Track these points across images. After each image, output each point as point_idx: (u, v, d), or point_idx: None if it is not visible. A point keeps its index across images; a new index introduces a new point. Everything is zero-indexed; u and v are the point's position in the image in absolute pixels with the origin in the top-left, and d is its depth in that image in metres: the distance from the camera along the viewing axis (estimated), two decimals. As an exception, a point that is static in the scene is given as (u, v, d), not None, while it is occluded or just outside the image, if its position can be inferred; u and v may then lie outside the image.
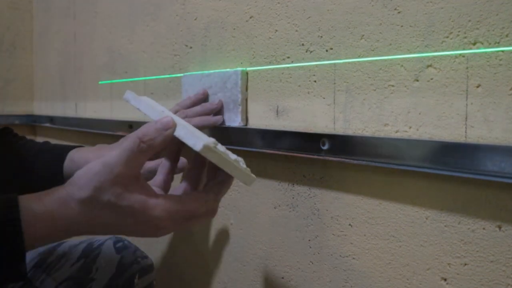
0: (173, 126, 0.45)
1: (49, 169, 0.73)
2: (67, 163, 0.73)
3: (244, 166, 0.50)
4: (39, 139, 1.65)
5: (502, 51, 0.44)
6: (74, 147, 0.77)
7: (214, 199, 0.49)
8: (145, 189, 0.46)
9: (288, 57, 0.66)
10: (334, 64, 0.59)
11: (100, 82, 1.25)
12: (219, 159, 0.46)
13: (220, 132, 0.74)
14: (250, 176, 0.51)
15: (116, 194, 0.45)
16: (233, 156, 0.49)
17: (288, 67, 0.66)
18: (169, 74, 0.93)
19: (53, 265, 0.73)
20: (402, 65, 0.52)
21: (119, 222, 0.46)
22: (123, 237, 0.77)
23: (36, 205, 0.45)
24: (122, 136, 1.06)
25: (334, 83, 0.59)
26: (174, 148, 0.54)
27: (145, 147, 0.45)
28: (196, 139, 0.44)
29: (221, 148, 0.47)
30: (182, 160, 0.64)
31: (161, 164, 0.54)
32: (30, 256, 0.77)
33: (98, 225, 0.46)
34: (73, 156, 0.74)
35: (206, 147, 0.43)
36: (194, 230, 0.86)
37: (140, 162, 0.46)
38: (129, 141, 0.45)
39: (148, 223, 0.46)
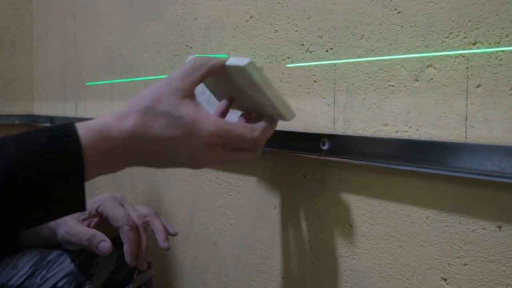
0: (225, 60, 0.53)
1: None
2: None
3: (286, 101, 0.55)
4: (39, 139, 1.64)
5: (502, 51, 0.44)
6: None
7: (260, 134, 0.53)
8: (198, 106, 0.52)
9: (288, 57, 0.66)
10: (334, 64, 0.59)
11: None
12: (263, 80, 0.51)
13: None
14: (290, 109, 0.55)
15: (172, 104, 0.50)
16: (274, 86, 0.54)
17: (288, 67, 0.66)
18: (169, 74, 0.93)
19: (53, 262, 0.73)
20: (402, 65, 0.52)
21: (170, 135, 0.49)
22: None
23: (93, 122, 0.49)
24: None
25: (334, 83, 0.59)
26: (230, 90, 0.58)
27: (199, 64, 0.52)
28: (243, 59, 0.50)
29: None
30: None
31: (219, 104, 0.60)
32: (31, 254, 0.77)
33: (150, 142, 0.49)
34: None
35: (251, 64, 0.50)
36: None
37: (196, 78, 0.52)
38: (187, 61, 0.53)
39: (196, 138, 0.50)
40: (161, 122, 0.49)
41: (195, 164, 0.53)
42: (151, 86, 0.51)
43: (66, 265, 0.72)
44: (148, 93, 0.51)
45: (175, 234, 0.71)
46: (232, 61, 0.52)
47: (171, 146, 0.50)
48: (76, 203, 0.48)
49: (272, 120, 0.55)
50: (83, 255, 0.73)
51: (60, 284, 0.70)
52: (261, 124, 0.54)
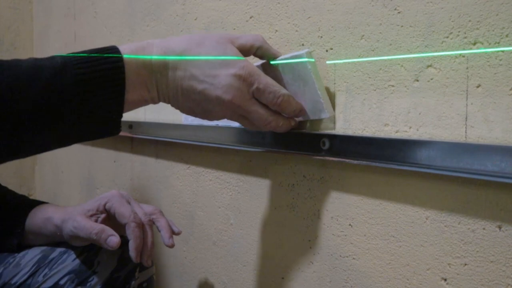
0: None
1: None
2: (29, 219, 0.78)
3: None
4: (39, 139, 1.65)
5: (502, 51, 0.44)
6: (37, 203, 0.81)
7: (286, 94, 0.55)
8: None
9: (288, 57, 0.66)
10: (334, 64, 0.59)
11: None
12: (316, 72, 0.55)
13: (221, 132, 0.74)
14: (330, 105, 0.56)
15: (219, 39, 0.53)
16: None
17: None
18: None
19: (55, 260, 0.74)
20: (402, 65, 0.52)
21: (217, 53, 0.51)
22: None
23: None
24: (122, 136, 1.07)
25: (334, 83, 0.59)
26: None
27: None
28: (300, 51, 0.56)
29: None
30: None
31: None
32: (33, 252, 0.77)
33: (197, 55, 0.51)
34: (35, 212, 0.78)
35: (309, 53, 0.55)
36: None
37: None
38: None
39: (232, 63, 0.51)
40: (196, 42, 0.52)
41: (216, 102, 0.52)
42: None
43: (68, 263, 0.73)
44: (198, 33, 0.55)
45: (178, 233, 0.72)
46: (284, 56, 0.55)
47: (201, 66, 0.51)
48: (113, 121, 0.50)
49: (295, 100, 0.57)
50: (85, 253, 0.73)
51: (62, 282, 0.71)
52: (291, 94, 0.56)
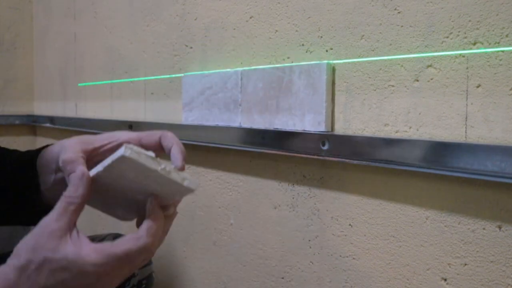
0: (84, 173, 0.47)
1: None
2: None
3: (179, 174, 0.47)
4: (39, 139, 1.65)
5: (502, 51, 0.44)
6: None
7: (146, 235, 0.48)
8: (79, 240, 0.46)
9: (288, 57, 0.66)
10: (334, 64, 0.59)
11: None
12: (138, 168, 0.45)
13: (221, 132, 0.74)
14: (181, 186, 0.47)
15: (51, 247, 0.45)
16: (162, 165, 0.46)
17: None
18: (169, 74, 0.93)
19: None
20: (402, 65, 0.52)
21: (57, 280, 0.45)
22: (123, 234, 0.78)
23: None
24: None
25: (334, 83, 0.59)
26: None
27: (72, 207, 0.47)
28: (114, 155, 0.44)
29: (146, 158, 0.46)
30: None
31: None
32: None
33: None
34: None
35: (121, 158, 0.43)
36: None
37: (72, 218, 0.47)
38: (60, 201, 0.47)
39: (85, 274, 0.45)
40: (45, 270, 0.45)
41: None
42: (25, 237, 0.47)
43: None
44: (24, 245, 0.46)
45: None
46: (100, 167, 0.46)
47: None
48: None
49: (157, 212, 0.50)
50: None
51: None
52: (143, 226, 0.49)
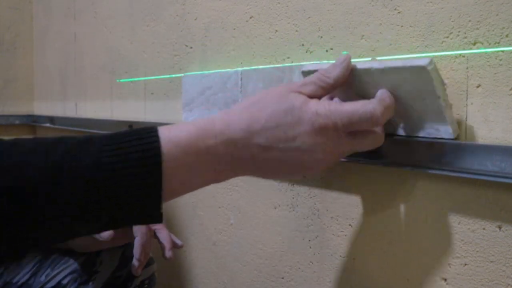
0: (347, 57, 0.47)
1: None
2: None
3: (451, 116, 0.45)
4: (39, 139, 1.64)
5: (502, 51, 0.44)
6: None
7: (377, 105, 0.43)
8: (310, 98, 0.45)
9: (288, 57, 0.66)
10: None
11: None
12: (440, 83, 0.43)
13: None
14: (455, 123, 0.45)
15: (279, 95, 0.44)
16: (446, 98, 0.45)
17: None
18: (169, 74, 0.93)
19: (57, 260, 0.74)
20: (402, 65, 0.52)
21: (277, 122, 0.43)
22: None
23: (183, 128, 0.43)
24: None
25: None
26: None
27: (321, 84, 0.46)
28: (417, 60, 0.43)
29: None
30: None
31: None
32: (35, 252, 0.77)
33: (257, 135, 0.43)
34: None
35: (432, 63, 0.42)
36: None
37: (316, 90, 0.46)
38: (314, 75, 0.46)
39: (305, 122, 0.43)
40: (267, 112, 0.44)
41: (310, 160, 0.44)
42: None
43: (70, 263, 0.73)
44: (257, 93, 0.47)
45: (181, 247, 0.71)
46: (389, 63, 0.44)
47: (279, 136, 0.43)
48: (150, 214, 0.42)
49: (389, 96, 0.45)
50: (87, 253, 0.74)
51: (64, 282, 0.71)
52: (379, 95, 0.44)
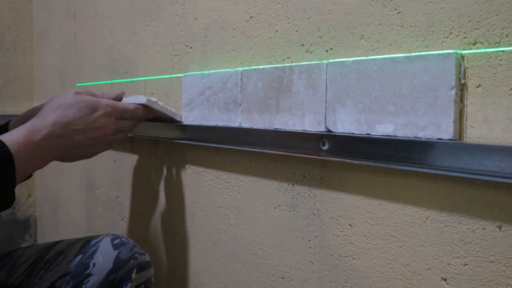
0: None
1: None
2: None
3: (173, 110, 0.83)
4: (39, 139, 1.65)
5: (502, 51, 0.44)
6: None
7: (135, 107, 0.77)
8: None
9: (288, 57, 0.66)
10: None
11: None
12: (158, 106, 0.79)
13: (221, 132, 0.74)
14: (178, 115, 0.84)
15: (77, 97, 0.71)
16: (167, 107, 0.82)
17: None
18: (169, 74, 0.93)
19: (51, 262, 0.74)
20: (402, 65, 0.52)
21: (82, 114, 0.69)
22: (120, 234, 0.78)
23: (17, 130, 0.65)
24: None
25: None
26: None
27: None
28: (141, 98, 0.78)
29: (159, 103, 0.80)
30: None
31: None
32: (29, 253, 0.77)
33: (69, 124, 0.68)
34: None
35: (148, 100, 0.77)
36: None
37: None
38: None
39: (99, 109, 0.71)
40: (74, 108, 0.69)
41: (103, 135, 0.71)
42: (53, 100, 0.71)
43: (63, 265, 0.72)
44: (54, 99, 0.71)
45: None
46: (132, 99, 0.79)
47: (85, 122, 0.69)
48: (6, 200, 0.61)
49: (139, 108, 0.77)
50: (80, 255, 0.73)
51: (57, 284, 0.70)
52: (136, 106, 0.77)
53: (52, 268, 0.72)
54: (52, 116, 0.67)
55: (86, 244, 0.75)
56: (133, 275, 0.73)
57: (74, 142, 0.68)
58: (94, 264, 0.71)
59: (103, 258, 0.72)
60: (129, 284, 0.72)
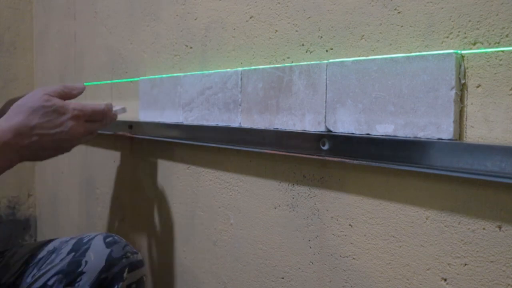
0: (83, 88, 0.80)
1: None
2: None
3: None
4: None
5: (502, 51, 0.44)
6: None
7: (105, 106, 0.78)
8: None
9: (288, 57, 0.66)
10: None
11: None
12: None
13: (221, 132, 0.74)
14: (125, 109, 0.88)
15: (45, 99, 0.71)
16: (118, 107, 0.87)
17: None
18: (169, 74, 0.93)
19: (43, 260, 0.74)
20: (402, 65, 0.52)
21: (48, 118, 0.70)
22: (113, 233, 0.78)
23: None
24: (122, 136, 1.07)
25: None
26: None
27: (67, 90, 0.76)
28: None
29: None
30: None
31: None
32: (22, 252, 0.77)
33: (35, 128, 0.68)
34: None
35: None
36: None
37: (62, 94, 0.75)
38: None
39: (66, 113, 0.71)
40: (40, 112, 0.69)
41: (71, 137, 0.72)
42: (24, 97, 0.72)
43: (56, 263, 0.72)
44: (23, 100, 0.70)
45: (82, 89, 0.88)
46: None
47: (51, 126, 0.70)
48: None
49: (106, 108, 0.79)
50: (73, 253, 0.73)
51: (50, 283, 0.70)
52: (105, 103, 0.78)
53: (45, 266, 0.72)
54: (18, 119, 0.68)
55: (78, 242, 0.75)
56: (125, 274, 0.72)
57: (40, 145, 0.69)
58: (86, 262, 0.71)
59: (95, 256, 0.72)
60: (120, 283, 0.71)
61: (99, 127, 0.78)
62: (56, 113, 0.70)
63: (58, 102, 0.71)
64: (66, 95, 0.75)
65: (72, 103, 0.73)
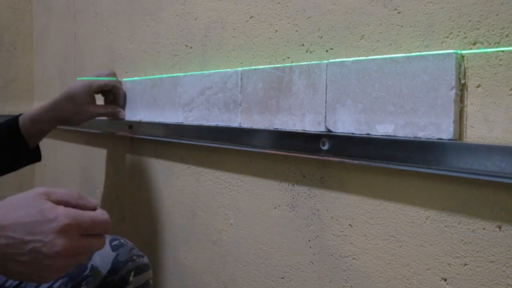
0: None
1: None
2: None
3: None
4: (39, 139, 1.65)
5: (502, 51, 0.44)
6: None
7: (108, 217, 0.54)
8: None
9: (288, 57, 0.66)
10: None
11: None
12: None
13: (221, 132, 0.74)
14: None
15: (32, 197, 0.51)
16: None
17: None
18: (169, 74, 0.93)
19: None
20: (402, 65, 0.52)
21: (31, 220, 0.49)
22: (119, 236, 0.78)
23: None
24: (122, 136, 1.07)
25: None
26: None
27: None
28: None
29: None
30: None
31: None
32: None
33: (10, 229, 0.49)
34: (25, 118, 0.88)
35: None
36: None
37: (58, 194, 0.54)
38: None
39: (52, 221, 0.49)
40: (22, 211, 0.50)
41: (51, 255, 0.49)
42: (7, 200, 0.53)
43: None
44: (19, 194, 0.52)
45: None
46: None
47: (29, 231, 0.49)
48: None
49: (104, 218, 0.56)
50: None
51: (55, 286, 0.70)
52: (101, 213, 0.55)
53: None
54: None
55: None
56: (131, 278, 0.72)
57: (6, 253, 0.49)
58: (91, 265, 0.71)
59: (101, 260, 0.72)
60: (126, 287, 0.72)
61: (99, 247, 0.54)
62: (41, 216, 0.50)
63: (48, 204, 0.51)
64: (73, 205, 0.54)
65: (66, 209, 0.51)
